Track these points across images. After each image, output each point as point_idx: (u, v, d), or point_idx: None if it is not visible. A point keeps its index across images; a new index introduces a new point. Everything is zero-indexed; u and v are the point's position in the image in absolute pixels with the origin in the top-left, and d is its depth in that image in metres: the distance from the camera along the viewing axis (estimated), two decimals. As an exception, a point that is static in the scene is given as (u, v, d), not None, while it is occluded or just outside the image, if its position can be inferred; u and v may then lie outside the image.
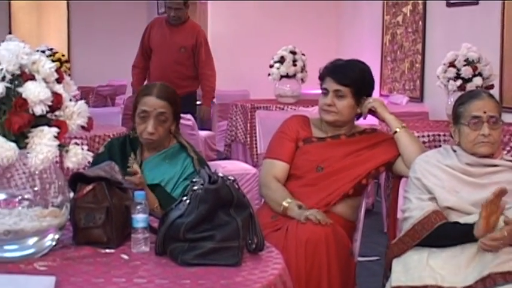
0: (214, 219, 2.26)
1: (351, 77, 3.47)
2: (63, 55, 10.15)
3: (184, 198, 2.35)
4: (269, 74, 7.77)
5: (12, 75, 2.18)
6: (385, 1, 9.15)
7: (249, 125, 7.44)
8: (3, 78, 2.15)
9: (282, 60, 7.68)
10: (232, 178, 2.35)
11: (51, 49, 9.65)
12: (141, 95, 3.28)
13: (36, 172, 2.23)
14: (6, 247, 2.18)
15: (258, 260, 2.28)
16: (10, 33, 13.14)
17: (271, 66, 7.76)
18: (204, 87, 7.23)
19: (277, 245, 2.65)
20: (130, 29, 15.03)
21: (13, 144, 2.10)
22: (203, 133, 7.72)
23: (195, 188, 2.33)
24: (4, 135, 2.10)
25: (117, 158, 3.22)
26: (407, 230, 3.02)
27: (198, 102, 7.49)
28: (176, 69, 7.03)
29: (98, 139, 5.05)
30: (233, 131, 7.78)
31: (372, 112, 3.53)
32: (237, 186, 2.33)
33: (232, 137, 7.82)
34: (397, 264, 3.01)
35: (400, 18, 8.76)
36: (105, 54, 14.47)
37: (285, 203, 3.28)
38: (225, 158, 7.72)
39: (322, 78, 3.53)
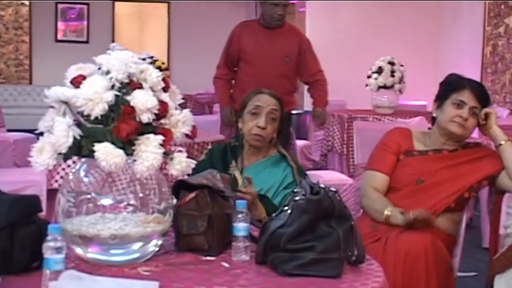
0: (315, 230, 2.26)
1: (488, 98, 3.49)
2: (163, 63, 10.35)
3: (286, 208, 2.36)
4: (366, 85, 7.72)
5: (121, 83, 2.23)
6: (487, 12, 8.96)
7: (345, 135, 7.41)
8: (113, 87, 2.20)
9: (379, 70, 7.63)
10: (334, 189, 2.34)
11: (151, 57, 9.85)
12: (252, 94, 3.36)
13: (141, 179, 2.27)
14: (112, 251, 2.24)
15: (358, 273, 2.27)
16: (113, 41, 13.47)
17: (368, 77, 7.72)
18: (318, 92, 6.06)
19: (375, 257, 2.62)
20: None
21: (121, 151, 2.14)
22: (299, 143, 7.73)
23: (297, 198, 2.33)
24: (112, 142, 2.15)
25: (218, 166, 3.25)
26: (510, 246, 2.94)
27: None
28: (281, 83, 5.69)
29: (197, 146, 5.14)
30: (330, 140, 7.76)
31: (478, 124, 3.48)
32: (338, 198, 2.32)
33: (329, 147, 7.81)
34: (499, 281, 2.93)
35: (502, 29, 8.56)
36: (203, 62, 14.63)
37: (386, 212, 3.26)
38: (321, 168, 7.71)
39: (457, 89, 3.47)
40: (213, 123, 6.90)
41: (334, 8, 10.72)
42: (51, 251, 1.94)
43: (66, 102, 2.20)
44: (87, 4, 14.98)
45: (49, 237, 1.95)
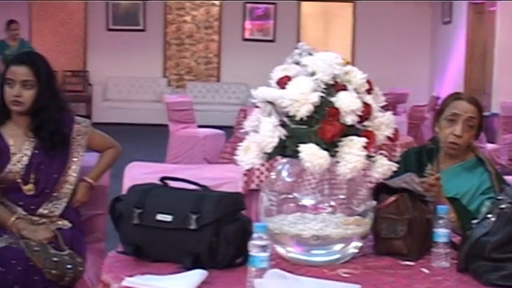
0: (522, 241, 2.16)
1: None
2: (347, 62, 10.32)
3: (490, 215, 2.28)
4: None
5: (326, 85, 2.24)
6: None
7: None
8: (318, 88, 2.22)
9: None
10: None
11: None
12: (450, 99, 3.26)
13: (331, 180, 2.27)
14: (314, 251, 2.25)
15: None
16: (299, 40, 13.61)
17: None
18: None
19: None
20: (413, 35, 14.98)
21: (325, 152, 2.15)
22: (489, 146, 7.47)
23: (503, 206, 2.24)
24: (316, 143, 2.17)
25: (413, 168, 3.19)
26: None
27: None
28: None
29: (385, 148, 5.07)
30: (521, 144, 7.46)
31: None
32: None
33: (519, 151, 7.50)
34: None
35: None
36: (387, 61, 14.53)
37: None
38: (509, 173, 7.40)
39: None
40: (400, 125, 6.79)
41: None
42: (257, 249, 1.98)
43: (272, 103, 2.24)
44: (274, 4, 15.23)
45: (255, 235, 1.99)
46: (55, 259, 2.92)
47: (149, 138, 11.94)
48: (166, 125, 9.25)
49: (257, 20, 15.45)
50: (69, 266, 2.94)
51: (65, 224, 3.19)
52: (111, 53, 15.02)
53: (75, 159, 3.25)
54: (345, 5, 15.23)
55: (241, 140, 5.85)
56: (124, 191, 2.98)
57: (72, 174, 3.24)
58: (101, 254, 3.45)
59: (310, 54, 8.30)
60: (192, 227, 2.21)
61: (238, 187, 3.18)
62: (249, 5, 15.31)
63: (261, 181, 5.26)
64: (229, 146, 6.21)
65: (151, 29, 15.24)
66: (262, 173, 5.21)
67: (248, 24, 15.42)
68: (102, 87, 14.95)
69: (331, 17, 15.46)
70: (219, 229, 2.22)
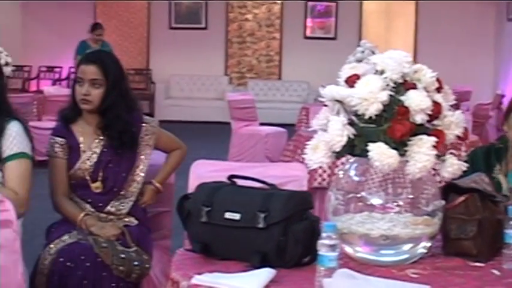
0: None
1: None
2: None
3: None
4: None
5: (395, 83, 2.22)
6: None
7: None
8: (387, 86, 2.20)
9: None
10: None
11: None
12: None
13: (394, 179, 2.25)
14: (383, 251, 2.24)
15: None
16: (360, 38, 13.54)
17: None
18: None
19: None
20: (476, 33, 14.75)
21: (394, 152, 2.13)
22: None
23: None
24: (385, 142, 2.15)
25: (481, 168, 3.14)
26: None
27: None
28: None
29: (450, 147, 5.00)
30: None
31: None
32: None
33: None
34: None
35: None
36: (449, 59, 14.31)
37: None
38: None
39: None
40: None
41: None
42: (326, 248, 1.97)
43: (340, 101, 2.22)
44: (336, 1, 15.17)
45: (324, 235, 1.99)
46: (122, 256, 2.95)
47: (211, 136, 12.01)
48: (227, 123, 9.30)
49: (318, 18, 15.40)
50: (136, 263, 2.98)
51: (132, 221, 3.23)
52: (173, 51, 15.16)
53: (143, 158, 3.29)
54: (407, 3, 15.07)
55: (304, 138, 5.87)
56: (190, 188, 3.00)
57: (140, 173, 3.27)
58: (166, 251, 3.49)
59: (373, 52, 8.26)
60: (260, 225, 2.21)
61: (303, 185, 3.17)
62: (310, 3, 15.27)
63: (323, 179, 5.25)
64: (292, 144, 6.21)
65: (213, 27, 15.33)
66: (324, 171, 5.19)
67: (309, 22, 15.39)
68: (165, 85, 15.10)
69: (393, 14, 15.32)
70: (287, 228, 2.21)
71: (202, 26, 15.43)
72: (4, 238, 2.29)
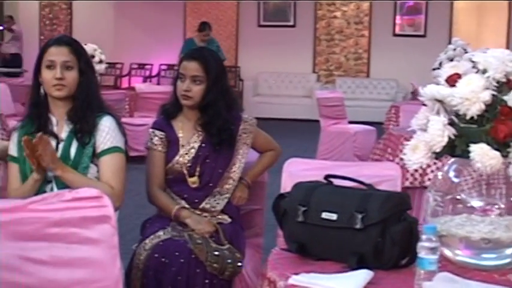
0: None
1: None
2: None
3: None
4: None
5: (498, 82, 2.16)
6: None
7: None
8: (490, 86, 2.14)
9: None
10: None
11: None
12: None
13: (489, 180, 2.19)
14: (484, 255, 2.18)
15: None
16: (451, 35, 13.31)
17: None
18: None
19: None
20: None
21: (497, 153, 2.07)
22: None
23: None
24: (487, 143, 2.09)
25: None
26: None
27: None
28: None
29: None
30: None
31: None
32: None
33: None
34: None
35: None
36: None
37: None
38: None
39: None
40: None
41: None
42: (426, 251, 1.93)
43: (440, 101, 2.17)
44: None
45: (424, 237, 1.95)
46: (216, 253, 2.97)
47: (298, 134, 12.00)
48: (315, 120, 9.26)
49: (407, 15, 15.19)
50: (229, 261, 2.99)
51: (225, 219, 3.25)
52: (261, 49, 15.22)
53: (239, 156, 3.30)
54: (500, 1, 14.70)
55: (394, 136, 5.78)
56: (282, 186, 3.00)
57: (236, 171, 3.29)
58: (258, 249, 3.49)
59: (465, 50, 8.01)
60: (358, 226, 2.19)
61: (397, 185, 3.13)
62: (399, 0, 15.08)
63: (415, 179, 5.16)
64: (382, 142, 6.13)
65: (302, 25, 15.32)
66: (416, 170, 5.10)
67: (398, 19, 15.19)
68: (253, 82, 15.18)
69: (485, 11, 14.99)
70: (385, 229, 2.18)
71: (291, 23, 15.44)
72: (102, 233, 2.33)
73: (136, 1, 15.07)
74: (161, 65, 15.57)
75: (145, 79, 15.14)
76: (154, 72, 15.57)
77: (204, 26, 11.35)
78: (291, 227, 2.34)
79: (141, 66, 15.63)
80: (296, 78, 15.33)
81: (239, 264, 3.04)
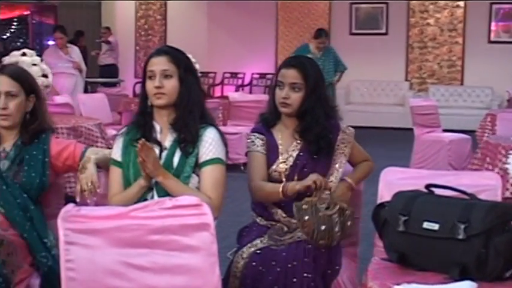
0: None
1: None
2: None
3: None
4: None
5: None
6: None
7: None
8: None
9: None
10: None
11: None
12: None
13: None
14: None
15: None
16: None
17: None
18: None
19: None
20: None
21: None
22: None
23: None
24: None
25: None
26: None
27: None
28: None
29: None
30: None
31: None
32: None
33: None
34: None
35: None
36: None
37: None
38: None
39: None
40: None
41: None
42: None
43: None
44: (524, 4, 14.58)
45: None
46: (323, 227, 2.90)
47: (391, 142, 11.87)
48: (408, 129, 9.13)
49: (503, 21, 14.82)
50: (336, 229, 2.92)
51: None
52: (353, 56, 15.08)
53: (337, 166, 3.28)
54: None
55: (491, 145, 5.66)
56: (380, 195, 2.97)
57: (334, 181, 3.26)
58: (354, 258, 3.46)
59: None
60: (460, 236, 2.15)
61: (497, 195, 3.05)
62: (495, 6, 14.73)
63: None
64: (479, 151, 5.99)
65: (394, 32, 15.15)
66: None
67: (494, 25, 14.84)
68: (345, 90, 15.08)
69: None
70: (489, 240, 2.13)
71: (383, 31, 15.29)
72: (202, 241, 2.36)
73: (229, 11, 15.23)
74: (253, 73, 15.67)
75: (238, 88, 15.26)
76: (246, 81, 15.68)
77: (320, 33, 10.74)
78: (391, 237, 2.31)
79: (234, 75, 15.78)
80: (388, 86, 15.16)
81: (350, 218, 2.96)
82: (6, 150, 3.22)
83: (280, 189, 3.10)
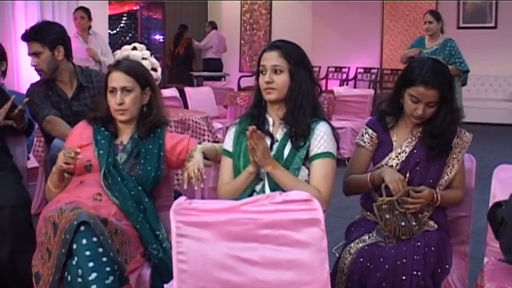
0: None
1: None
2: None
3: None
4: None
5: None
6: None
7: None
8: None
9: None
10: None
11: None
12: None
13: None
14: None
15: None
16: None
17: None
18: None
19: None
20: None
21: None
22: None
23: None
24: None
25: None
26: None
27: None
28: None
29: None
30: None
31: None
32: None
33: None
34: None
35: None
36: None
37: None
38: None
39: None
40: None
41: None
42: None
43: None
44: None
45: None
46: (403, 223, 3.04)
47: (499, 139, 11.56)
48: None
49: None
50: (414, 223, 3.05)
51: (432, 225, 3.17)
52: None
53: (448, 169, 3.20)
54: None
55: None
56: (493, 193, 2.89)
57: (443, 185, 3.19)
58: (464, 257, 3.37)
59: None
60: None
61: None
62: None
63: None
64: None
65: (502, 26, 14.72)
66: None
67: None
68: (451, 86, 14.79)
69: None
70: None
71: (491, 25, 14.88)
72: (312, 236, 2.35)
73: (334, 4, 15.15)
74: (358, 68, 15.55)
75: (342, 82, 15.18)
76: (351, 76, 15.58)
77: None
78: (509, 237, 2.24)
79: (338, 69, 15.70)
80: (497, 81, 14.76)
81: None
82: (124, 144, 3.32)
83: (369, 178, 3.17)
